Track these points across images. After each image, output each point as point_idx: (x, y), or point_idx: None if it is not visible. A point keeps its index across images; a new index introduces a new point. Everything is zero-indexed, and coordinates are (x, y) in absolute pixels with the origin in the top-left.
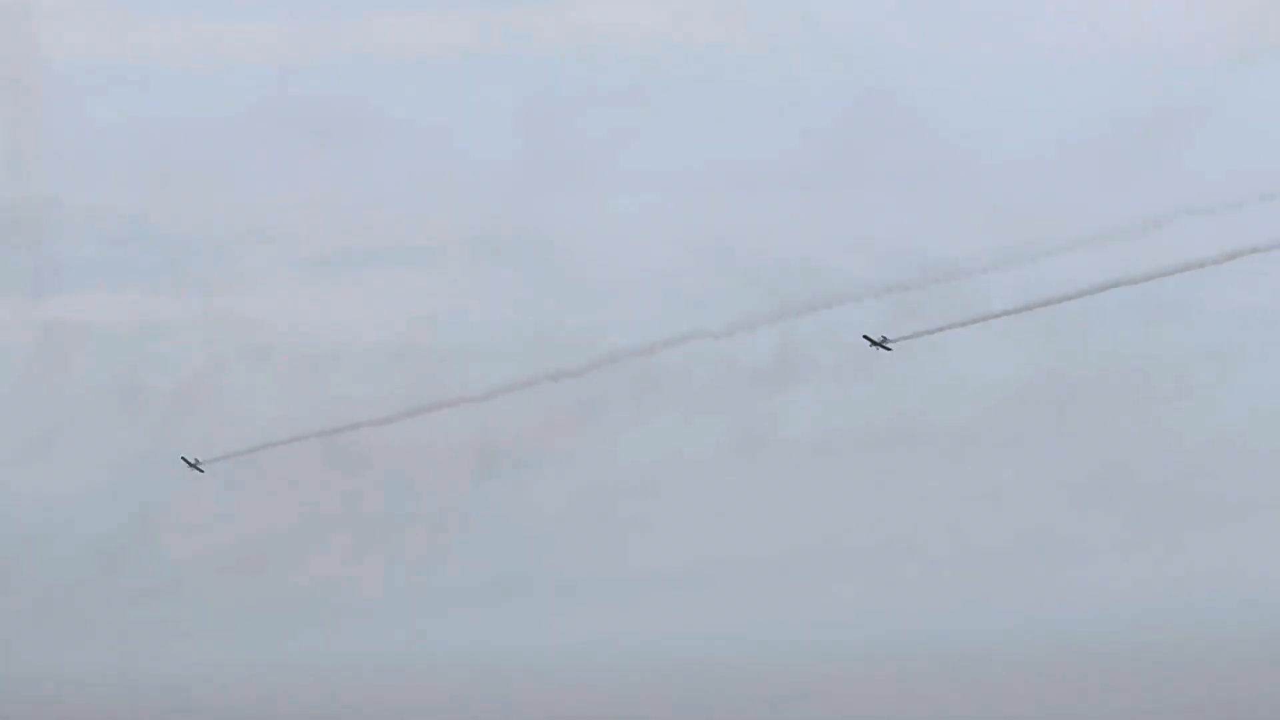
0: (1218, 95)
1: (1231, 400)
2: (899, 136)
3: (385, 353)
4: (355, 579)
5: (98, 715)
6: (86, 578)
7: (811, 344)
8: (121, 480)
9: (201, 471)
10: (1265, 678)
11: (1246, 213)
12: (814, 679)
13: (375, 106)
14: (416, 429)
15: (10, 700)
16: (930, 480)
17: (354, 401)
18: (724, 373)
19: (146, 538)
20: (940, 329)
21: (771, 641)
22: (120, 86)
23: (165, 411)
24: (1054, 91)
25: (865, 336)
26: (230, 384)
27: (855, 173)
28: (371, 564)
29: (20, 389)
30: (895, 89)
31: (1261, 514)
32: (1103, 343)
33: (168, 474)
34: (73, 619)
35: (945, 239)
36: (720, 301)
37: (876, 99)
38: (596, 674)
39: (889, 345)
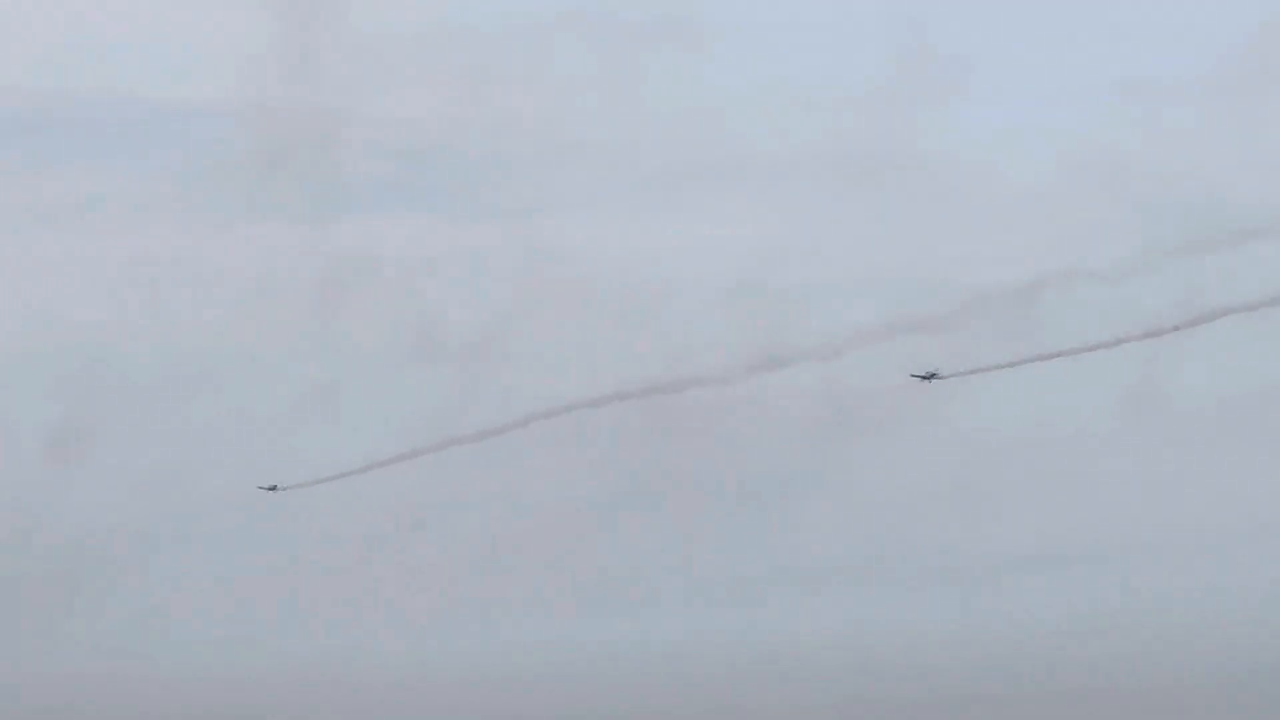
0: None
1: None
2: None
3: (721, 292)
4: (682, 558)
5: (400, 694)
6: (366, 559)
7: (1219, 287)
8: (410, 440)
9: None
10: None
11: None
12: (1222, 675)
13: (710, 3)
14: (756, 385)
15: (316, 672)
16: None
17: (684, 351)
18: (1113, 320)
19: (437, 510)
20: None
21: (1165, 628)
22: None
23: (463, 360)
24: None
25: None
26: (539, 328)
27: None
28: (702, 542)
29: (300, 332)
30: None
31: None
32: None
33: (462, 433)
34: (359, 603)
35: None
36: (1109, 234)
37: None
38: (969, 662)
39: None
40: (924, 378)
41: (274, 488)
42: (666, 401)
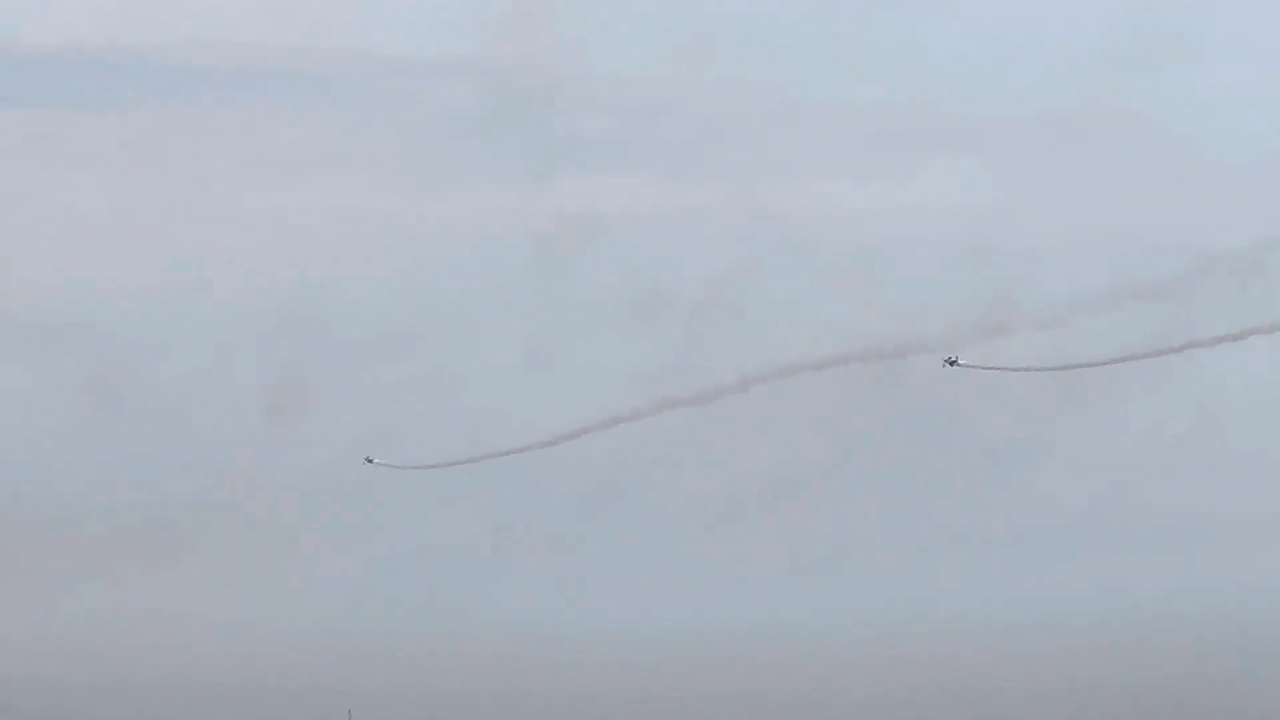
0: None
1: None
2: None
3: (946, 255)
4: (897, 522)
5: (612, 659)
6: (580, 524)
7: None
8: (627, 403)
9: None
10: None
11: None
12: None
13: None
14: (980, 349)
15: (527, 636)
16: None
17: (909, 314)
18: None
19: (653, 474)
20: None
21: None
22: None
23: (683, 321)
24: None
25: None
26: (761, 290)
27: None
28: (921, 506)
29: (518, 291)
30: None
31: None
32: None
33: (683, 397)
34: (572, 568)
35: None
36: None
37: None
38: (1197, 621)
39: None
40: (950, 363)
41: (370, 461)
42: (889, 366)
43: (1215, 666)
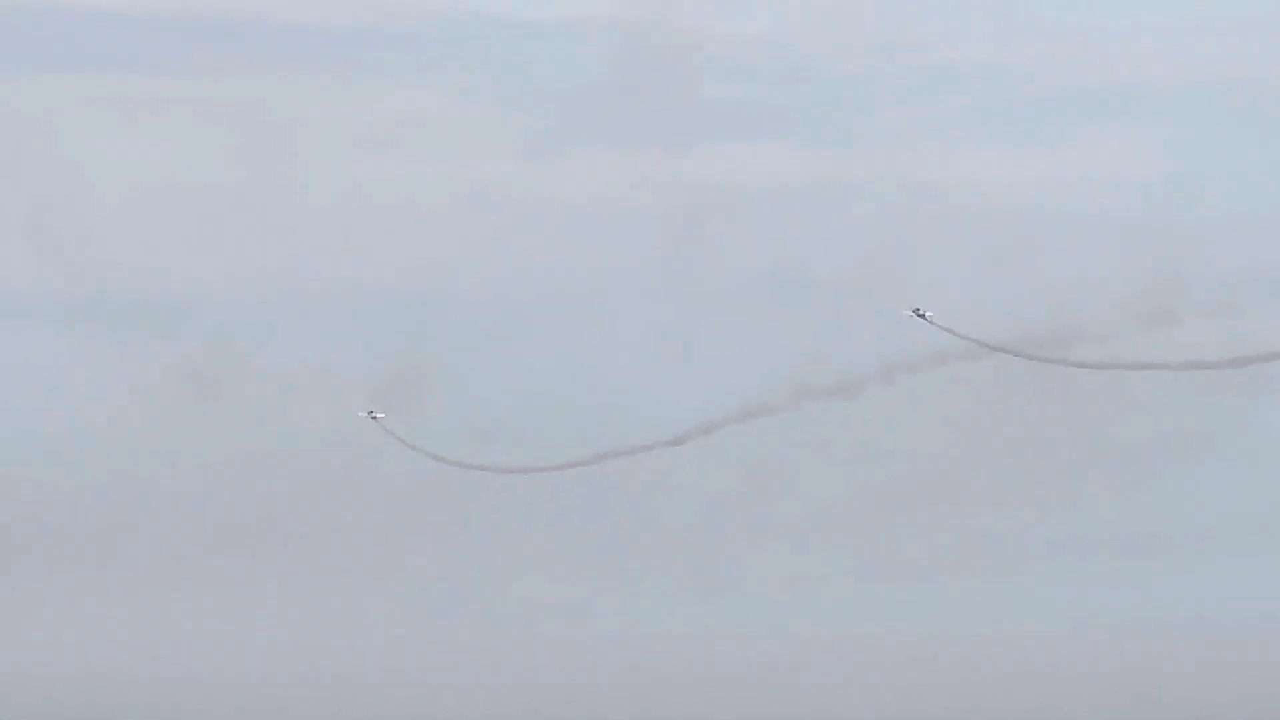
0: None
1: None
2: None
3: (1111, 229)
4: (1054, 521)
5: (737, 669)
6: (711, 518)
7: None
8: (765, 389)
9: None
10: None
11: None
12: None
13: None
14: (1147, 339)
15: (654, 639)
16: None
17: (1070, 294)
18: None
19: (791, 466)
20: None
21: None
22: None
23: (825, 303)
24: None
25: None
26: (909, 268)
27: None
28: (1081, 504)
29: (648, 269)
30: None
31: None
32: None
33: (824, 382)
34: (704, 567)
35: None
36: None
37: None
38: None
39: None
40: (918, 314)
41: (372, 415)
42: (1047, 355)
43: None
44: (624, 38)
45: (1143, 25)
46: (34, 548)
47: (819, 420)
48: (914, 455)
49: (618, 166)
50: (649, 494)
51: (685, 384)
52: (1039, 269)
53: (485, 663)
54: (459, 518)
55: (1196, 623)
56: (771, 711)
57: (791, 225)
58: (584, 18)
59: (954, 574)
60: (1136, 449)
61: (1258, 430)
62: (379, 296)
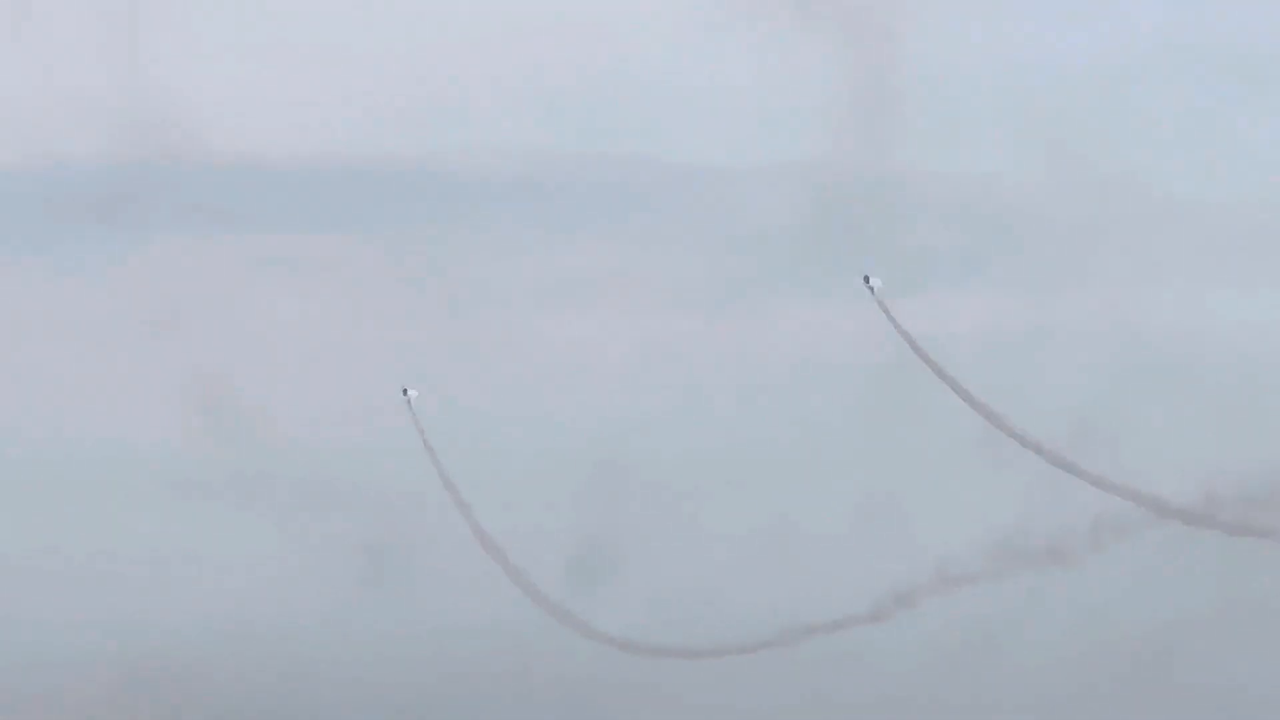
0: None
1: None
2: None
3: None
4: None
5: None
6: (897, 699)
7: None
8: (978, 559)
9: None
10: None
11: None
12: None
13: None
14: None
15: None
16: None
17: None
18: None
19: (1005, 636)
20: None
21: None
22: None
23: (1038, 461)
24: None
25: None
26: (1129, 421)
27: None
28: None
29: (853, 429)
30: None
31: None
32: None
33: (1035, 553)
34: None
35: None
36: None
37: None
38: None
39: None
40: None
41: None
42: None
43: None
44: (817, 181)
45: None
46: None
47: (1028, 588)
48: (1132, 627)
49: (817, 317)
50: (847, 672)
51: (886, 550)
52: (1270, 420)
53: None
54: (645, 709)
55: None
56: None
57: (1005, 376)
58: (772, 161)
59: None
60: None
61: None
62: (568, 463)
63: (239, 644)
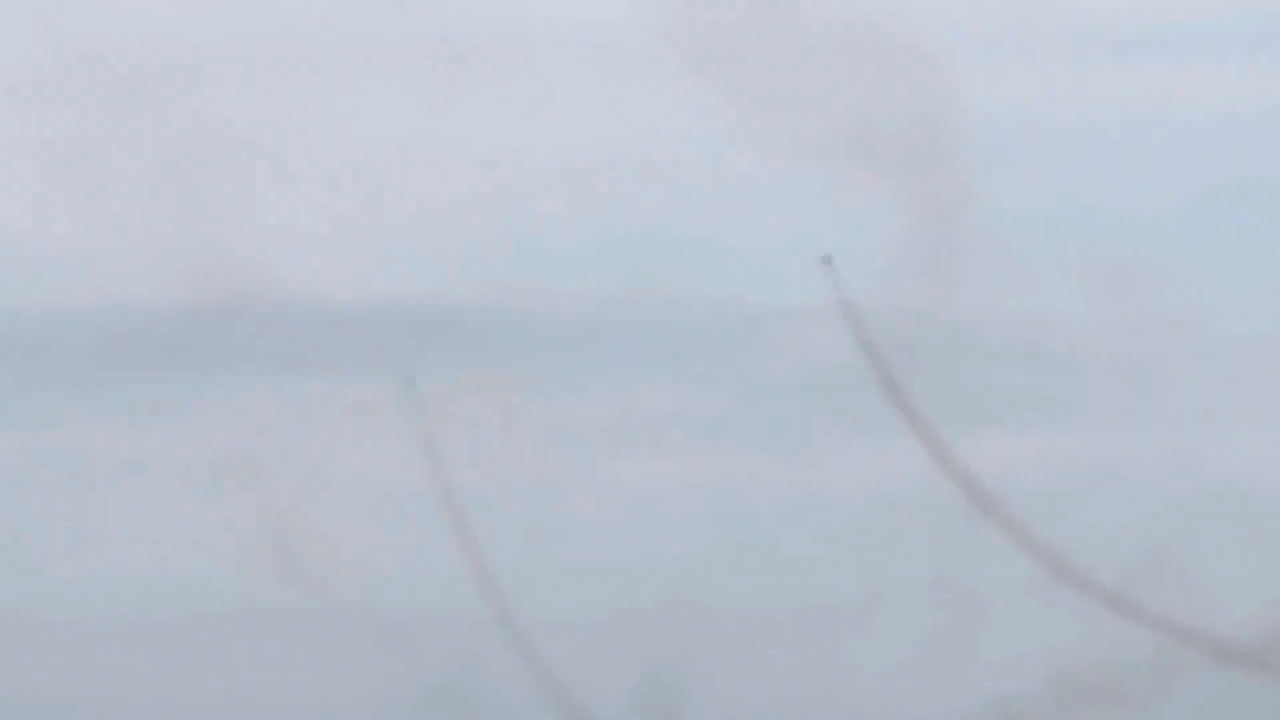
0: None
1: None
2: None
3: None
4: None
5: None
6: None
7: None
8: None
9: None
10: None
11: None
12: None
13: None
14: None
15: None
16: None
17: None
18: None
19: None
20: None
21: None
22: None
23: (1095, 602)
24: None
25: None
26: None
27: None
28: None
29: (920, 567)
30: None
31: None
32: None
33: (1092, 683)
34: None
35: None
36: None
37: None
38: None
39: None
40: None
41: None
42: None
43: None
44: (889, 322)
45: None
46: None
47: None
48: None
49: (877, 459)
50: None
51: (950, 691)
52: None
53: None
54: None
55: None
56: None
57: (1068, 517)
58: (838, 303)
59: None
60: None
61: None
62: (634, 603)
63: None
